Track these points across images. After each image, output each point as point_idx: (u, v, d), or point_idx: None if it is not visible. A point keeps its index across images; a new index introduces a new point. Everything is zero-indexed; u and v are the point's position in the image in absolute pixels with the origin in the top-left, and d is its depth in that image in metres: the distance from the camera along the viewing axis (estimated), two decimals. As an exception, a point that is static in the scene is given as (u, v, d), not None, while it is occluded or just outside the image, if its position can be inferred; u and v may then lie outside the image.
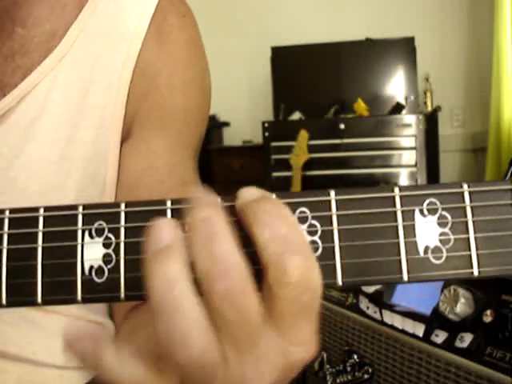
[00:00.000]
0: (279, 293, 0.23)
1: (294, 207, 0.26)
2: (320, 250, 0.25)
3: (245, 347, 0.24)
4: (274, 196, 0.26)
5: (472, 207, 0.25)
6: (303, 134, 2.55)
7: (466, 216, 0.25)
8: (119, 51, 0.49)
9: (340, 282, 0.25)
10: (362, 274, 0.25)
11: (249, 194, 0.25)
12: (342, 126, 2.64)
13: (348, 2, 3.25)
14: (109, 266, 0.26)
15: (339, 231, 0.25)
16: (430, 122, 2.74)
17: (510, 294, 0.60)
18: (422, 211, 0.25)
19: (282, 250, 0.23)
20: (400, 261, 0.25)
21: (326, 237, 0.25)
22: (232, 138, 3.34)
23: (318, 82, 3.04)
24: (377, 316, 0.78)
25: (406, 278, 0.25)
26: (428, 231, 0.25)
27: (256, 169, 2.85)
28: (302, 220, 0.26)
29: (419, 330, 0.69)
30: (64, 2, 0.51)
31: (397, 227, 0.25)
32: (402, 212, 0.25)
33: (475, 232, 0.25)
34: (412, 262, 0.25)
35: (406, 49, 2.95)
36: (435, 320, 0.67)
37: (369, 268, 0.25)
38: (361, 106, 2.76)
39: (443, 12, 3.12)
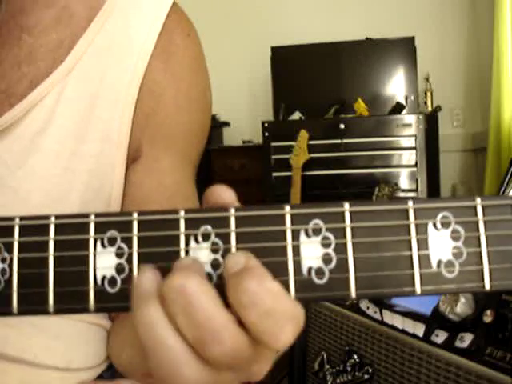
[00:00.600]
0: (268, 352, 0.25)
1: (307, 219, 0.26)
2: (334, 263, 0.25)
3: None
4: (257, 263, 0.25)
5: (485, 221, 0.25)
6: (303, 134, 2.55)
7: (478, 230, 0.25)
8: (126, 68, 0.50)
9: (353, 295, 0.25)
10: (375, 286, 0.25)
11: (233, 262, 0.25)
12: (342, 126, 2.64)
13: (348, 2, 3.25)
14: (122, 276, 0.26)
15: (353, 244, 0.25)
16: (430, 122, 2.74)
17: (510, 293, 0.60)
18: (435, 225, 0.25)
19: (271, 326, 0.24)
20: (413, 274, 0.25)
21: (340, 249, 0.25)
22: (232, 138, 3.34)
23: (318, 82, 3.04)
24: (377, 316, 0.77)
25: (418, 291, 0.25)
26: (441, 245, 0.25)
27: (256, 169, 2.85)
28: (316, 232, 0.25)
29: (419, 329, 0.69)
30: (71, 11, 0.51)
31: (410, 240, 0.25)
32: (416, 225, 0.25)
33: (488, 246, 0.25)
34: (425, 275, 0.25)
35: (406, 49, 2.95)
36: (435, 320, 0.67)
37: (382, 281, 0.25)
38: (361, 106, 2.76)
39: (443, 12, 3.12)
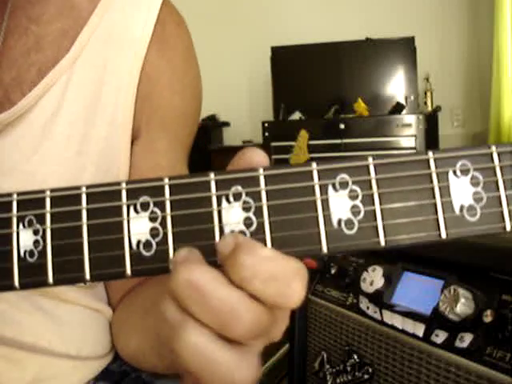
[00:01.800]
0: (284, 312, 0.26)
1: (334, 174, 0.27)
2: (362, 214, 0.26)
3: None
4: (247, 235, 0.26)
5: (501, 167, 0.26)
6: (303, 134, 2.56)
7: (496, 175, 0.26)
8: (127, 56, 0.53)
9: (383, 243, 0.26)
10: (402, 233, 0.26)
11: (223, 245, 0.26)
12: (342, 126, 2.64)
13: (348, 2, 3.25)
14: (156, 240, 0.27)
15: (379, 194, 0.26)
16: (430, 122, 2.74)
17: (510, 293, 0.60)
18: (455, 172, 0.26)
19: (278, 288, 0.25)
20: (437, 219, 0.26)
21: (367, 200, 0.26)
22: (232, 138, 3.34)
23: (318, 82, 3.04)
24: (377, 316, 0.77)
25: (444, 235, 0.26)
26: (462, 191, 0.26)
27: (256, 169, 2.84)
28: (343, 186, 0.27)
29: (419, 330, 0.69)
30: (72, 3, 0.54)
31: (433, 188, 0.26)
32: (437, 174, 0.26)
33: (506, 190, 0.26)
34: (449, 220, 0.26)
35: (406, 49, 2.95)
36: (435, 320, 0.67)
37: (409, 227, 0.26)
38: (361, 106, 2.76)
39: (443, 12, 3.12)
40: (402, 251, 0.76)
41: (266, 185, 0.27)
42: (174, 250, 0.27)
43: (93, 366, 0.56)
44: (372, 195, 0.26)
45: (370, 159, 0.27)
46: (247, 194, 0.27)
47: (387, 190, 0.26)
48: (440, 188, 0.26)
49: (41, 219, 0.27)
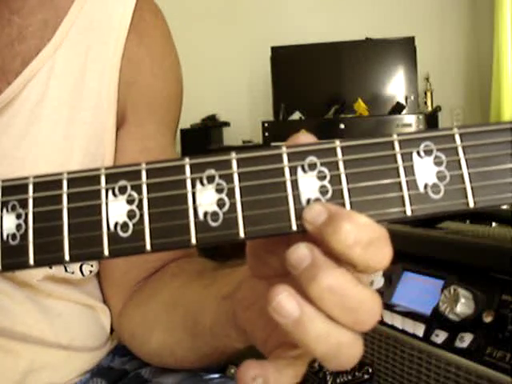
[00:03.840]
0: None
1: (303, 156, 0.28)
2: (330, 193, 0.27)
3: None
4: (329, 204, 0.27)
5: (463, 147, 0.27)
6: (303, 134, 2.55)
7: (458, 155, 0.27)
8: (108, 42, 0.55)
9: None
10: (369, 210, 0.27)
11: (318, 214, 0.27)
12: (342, 126, 2.64)
13: (348, 2, 3.25)
14: (133, 221, 0.28)
15: (346, 175, 0.27)
16: (430, 122, 2.74)
17: (510, 293, 0.60)
18: (418, 153, 0.28)
19: (375, 252, 0.26)
20: (403, 196, 0.27)
21: (335, 181, 0.28)
22: (232, 137, 3.34)
23: (318, 82, 3.04)
24: (377, 316, 0.78)
25: (409, 212, 0.27)
26: (426, 170, 0.27)
27: (256, 169, 2.84)
28: (312, 167, 0.28)
29: (419, 330, 0.69)
30: None
31: (398, 168, 0.28)
32: (402, 154, 0.28)
33: (468, 168, 0.27)
34: (413, 197, 0.27)
35: (406, 49, 2.95)
36: (435, 320, 0.67)
37: (376, 205, 0.27)
38: (361, 106, 2.76)
39: (443, 12, 3.12)
40: (402, 251, 0.76)
41: (238, 167, 0.28)
42: (150, 230, 0.27)
43: (86, 357, 0.57)
44: (339, 176, 0.27)
45: (337, 142, 0.28)
46: (220, 177, 0.28)
47: (353, 170, 0.27)
48: (404, 168, 0.27)
49: (24, 204, 0.28)
